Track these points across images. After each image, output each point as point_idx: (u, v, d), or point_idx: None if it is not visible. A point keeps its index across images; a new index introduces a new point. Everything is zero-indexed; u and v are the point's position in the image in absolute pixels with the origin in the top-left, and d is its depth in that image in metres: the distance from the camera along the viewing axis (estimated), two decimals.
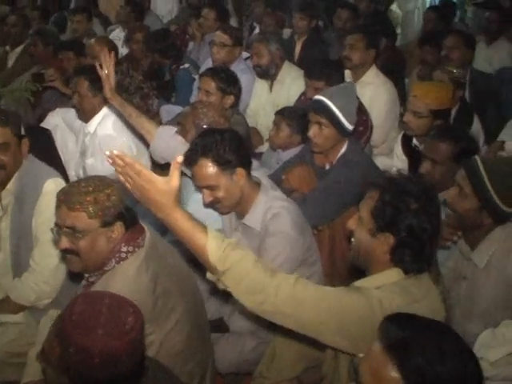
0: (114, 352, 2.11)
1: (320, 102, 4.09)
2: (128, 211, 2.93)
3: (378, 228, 2.66)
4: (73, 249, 2.88)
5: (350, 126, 4.08)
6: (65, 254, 2.98)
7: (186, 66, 6.85)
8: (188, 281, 3.19)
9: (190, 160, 3.41)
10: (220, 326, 3.69)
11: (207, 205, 3.53)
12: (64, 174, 4.23)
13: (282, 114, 4.99)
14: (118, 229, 2.89)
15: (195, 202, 3.98)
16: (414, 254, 2.64)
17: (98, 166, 4.70)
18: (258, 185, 3.54)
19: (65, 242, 2.88)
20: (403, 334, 2.05)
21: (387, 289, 2.61)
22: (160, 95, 5.93)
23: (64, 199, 2.86)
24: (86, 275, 2.99)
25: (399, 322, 2.13)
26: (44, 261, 3.65)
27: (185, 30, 8.71)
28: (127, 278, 2.84)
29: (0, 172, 3.65)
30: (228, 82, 4.88)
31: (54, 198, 3.46)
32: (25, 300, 3.71)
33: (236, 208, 3.56)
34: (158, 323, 2.89)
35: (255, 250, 3.40)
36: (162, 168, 4.28)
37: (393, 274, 2.67)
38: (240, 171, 3.41)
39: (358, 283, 2.72)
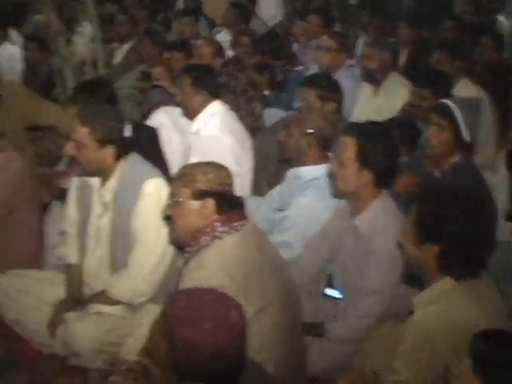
0: (220, 346, 2.20)
1: (445, 105, 4.17)
2: (229, 195, 3.12)
3: (421, 239, 2.74)
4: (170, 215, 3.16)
5: (467, 138, 4.12)
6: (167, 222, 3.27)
7: (300, 68, 6.95)
8: (284, 278, 3.26)
9: None
10: (316, 331, 3.73)
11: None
12: (167, 173, 4.36)
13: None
14: (210, 206, 3.08)
15: (299, 206, 4.05)
16: (462, 260, 2.71)
17: None
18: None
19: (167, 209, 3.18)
20: (491, 350, 2.09)
21: (442, 298, 2.69)
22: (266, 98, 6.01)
23: None
24: (184, 256, 3.16)
25: (488, 338, 2.17)
26: (142, 260, 3.76)
27: (288, 33, 8.81)
28: (221, 253, 3.01)
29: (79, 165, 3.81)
30: (328, 88, 4.95)
31: (154, 198, 3.66)
32: (121, 297, 3.82)
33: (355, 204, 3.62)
34: (247, 297, 2.88)
35: (359, 253, 3.48)
36: None
37: (445, 283, 2.74)
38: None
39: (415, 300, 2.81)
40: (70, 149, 3.76)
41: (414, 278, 2.93)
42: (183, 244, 3.20)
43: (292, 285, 3.35)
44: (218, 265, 2.97)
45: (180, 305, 2.28)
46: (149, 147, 4.58)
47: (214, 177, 3.08)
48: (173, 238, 3.35)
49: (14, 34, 8.65)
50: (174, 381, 2.29)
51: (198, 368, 2.22)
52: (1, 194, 4.23)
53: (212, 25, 9.37)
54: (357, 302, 3.56)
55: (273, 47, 7.14)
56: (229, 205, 3.10)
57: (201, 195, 3.07)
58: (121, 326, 3.79)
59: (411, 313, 2.82)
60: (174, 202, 3.15)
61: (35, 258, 4.50)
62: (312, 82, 5.02)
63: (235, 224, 3.09)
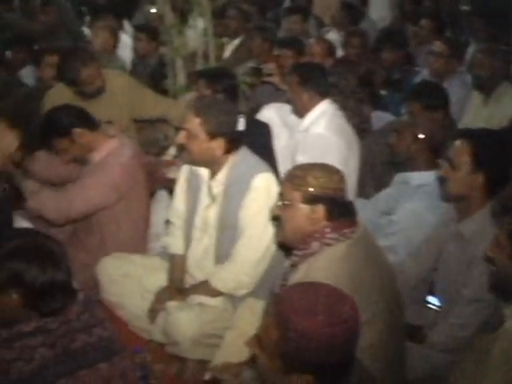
0: (332, 339, 2.21)
1: None
2: (340, 201, 3.07)
3: None
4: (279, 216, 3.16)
5: None
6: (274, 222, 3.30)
7: (417, 69, 6.89)
8: (390, 283, 3.23)
9: None
10: (417, 336, 3.68)
11: None
12: (276, 169, 4.38)
13: None
14: (320, 211, 3.05)
15: (406, 212, 4.00)
16: None
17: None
18: None
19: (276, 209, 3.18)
20: None
21: None
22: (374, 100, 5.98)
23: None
24: (292, 258, 3.14)
25: None
26: (247, 253, 3.80)
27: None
28: (330, 262, 2.97)
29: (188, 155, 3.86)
30: (434, 96, 4.88)
31: (262, 193, 3.67)
32: (223, 287, 3.87)
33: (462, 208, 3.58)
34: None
35: (463, 260, 3.43)
36: None
37: None
38: None
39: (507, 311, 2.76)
40: (181, 137, 3.82)
41: (504, 290, 2.84)
42: (290, 245, 3.18)
43: (398, 293, 3.32)
44: (326, 277, 2.87)
45: (296, 295, 2.31)
46: (260, 142, 4.60)
47: (325, 182, 3.03)
48: (279, 239, 3.33)
49: (126, 24, 8.87)
50: (281, 371, 2.30)
51: (306, 359, 2.23)
52: (113, 179, 4.32)
53: (320, 24, 9.36)
54: (458, 309, 3.50)
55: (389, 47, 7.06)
56: (339, 211, 3.06)
57: (311, 200, 3.04)
58: (221, 319, 3.83)
59: (501, 323, 2.76)
60: (283, 204, 3.12)
61: (140, 244, 4.60)
62: (416, 95, 4.96)
63: (346, 231, 3.06)
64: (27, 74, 7.41)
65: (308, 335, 2.20)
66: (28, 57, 7.64)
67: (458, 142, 3.53)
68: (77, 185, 4.34)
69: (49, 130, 4.35)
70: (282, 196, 3.16)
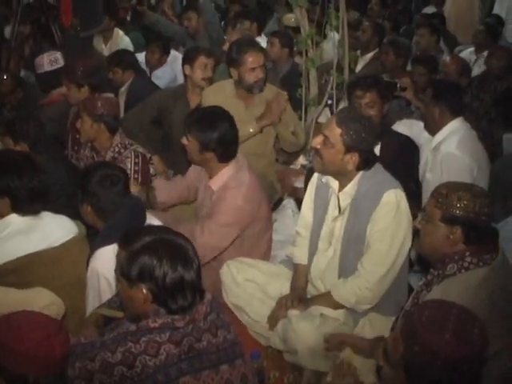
0: (457, 357, 2.21)
1: None
2: (481, 226, 3.00)
3: None
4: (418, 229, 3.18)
5: None
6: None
7: None
8: None
9: None
10: None
11: None
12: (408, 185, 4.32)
13: None
14: (457, 233, 3.01)
15: None
16: None
17: (435, 182, 4.72)
18: None
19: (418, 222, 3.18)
20: None
21: None
22: (507, 122, 5.81)
23: None
24: (427, 277, 3.10)
25: None
26: (372, 268, 3.76)
27: None
28: (466, 288, 2.90)
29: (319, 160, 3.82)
30: None
31: (392, 209, 3.67)
32: (345, 301, 3.84)
33: None
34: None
35: None
36: None
37: None
38: None
39: None
40: (317, 142, 3.78)
41: None
42: (430, 256, 3.15)
43: None
44: (461, 302, 2.81)
45: (427, 311, 2.32)
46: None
47: (468, 205, 2.98)
48: (419, 251, 3.32)
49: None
50: None
51: (428, 374, 2.24)
52: (236, 216, 4.32)
53: (454, 42, 9.22)
54: None
55: None
56: (477, 236, 3.00)
57: (450, 220, 3.00)
58: (341, 331, 3.78)
59: None
60: (424, 219, 3.11)
61: (265, 255, 4.63)
62: None
63: (485, 256, 2.99)
64: (163, 75, 7.60)
65: (434, 351, 2.21)
66: (164, 58, 7.84)
67: None
68: (201, 232, 4.29)
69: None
70: (425, 211, 3.14)
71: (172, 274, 2.65)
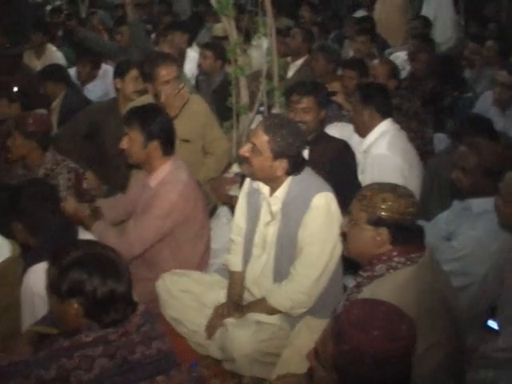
0: (386, 355, 2.24)
1: None
2: (407, 226, 3.03)
3: None
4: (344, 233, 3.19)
5: None
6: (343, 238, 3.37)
7: (470, 95, 6.83)
8: (454, 309, 3.18)
9: None
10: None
11: None
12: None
13: None
14: (384, 235, 3.03)
15: (469, 239, 3.96)
16: None
17: (368, 183, 4.79)
18: None
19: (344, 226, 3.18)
20: None
21: None
22: (437, 122, 5.94)
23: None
24: (357, 279, 3.13)
25: None
26: (305, 272, 3.78)
27: (461, 57, 8.68)
28: (395, 287, 2.94)
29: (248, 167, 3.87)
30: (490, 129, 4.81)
31: (322, 212, 3.71)
32: (281, 306, 3.86)
33: None
34: (419, 333, 2.89)
35: None
36: None
37: None
38: None
39: None
40: (245, 150, 3.82)
41: None
42: (357, 257, 3.19)
43: (460, 318, 3.27)
44: (391, 301, 2.86)
45: (355, 310, 2.35)
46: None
47: (393, 206, 3.00)
48: (346, 255, 3.34)
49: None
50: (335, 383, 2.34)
51: (359, 372, 2.27)
52: (168, 209, 4.34)
53: (384, 45, 9.35)
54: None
55: (445, 72, 7.04)
56: (404, 237, 3.03)
57: (376, 222, 3.02)
58: (278, 337, 3.82)
59: None
60: (350, 222, 3.13)
61: (201, 260, 4.62)
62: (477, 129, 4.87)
63: (413, 255, 3.03)
64: (94, 89, 7.57)
65: (362, 349, 2.24)
66: (95, 72, 7.82)
67: (509, 175, 3.50)
68: (135, 225, 4.39)
69: None
70: (350, 214, 3.15)
71: (103, 288, 2.65)
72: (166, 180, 4.39)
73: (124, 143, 4.39)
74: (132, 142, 4.35)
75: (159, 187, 4.38)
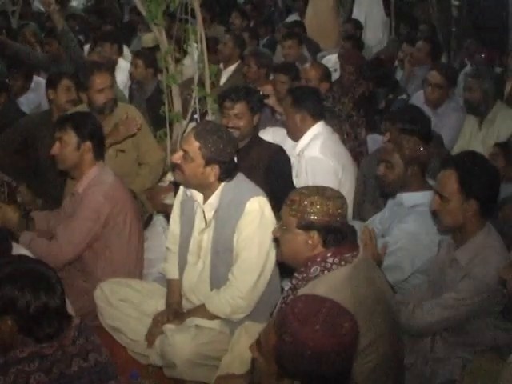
0: (325, 349, 2.29)
1: None
2: (337, 228, 3.06)
3: None
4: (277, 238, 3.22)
5: None
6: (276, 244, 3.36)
7: (404, 96, 6.92)
8: (390, 306, 3.24)
9: None
10: None
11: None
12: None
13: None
14: (315, 238, 3.06)
15: (401, 233, 4.03)
16: None
17: (301, 186, 4.83)
18: None
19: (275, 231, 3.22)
20: None
21: None
22: (370, 123, 6.02)
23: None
24: (293, 282, 3.17)
25: None
26: (243, 277, 3.81)
27: (392, 59, 8.82)
28: (330, 288, 2.96)
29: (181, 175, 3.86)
30: (412, 120, 4.89)
31: (256, 216, 3.72)
32: (220, 312, 3.87)
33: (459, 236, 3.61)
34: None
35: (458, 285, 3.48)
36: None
37: None
38: None
39: None
40: (177, 157, 3.82)
41: None
42: (290, 263, 3.21)
43: (397, 315, 3.33)
44: None
45: (299, 304, 2.40)
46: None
47: (321, 209, 3.03)
48: (280, 260, 3.37)
49: (126, 49, 8.96)
50: (275, 375, 2.39)
51: (299, 365, 2.31)
52: (95, 210, 4.36)
53: (316, 49, 9.43)
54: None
55: (377, 75, 7.14)
56: (335, 239, 3.06)
57: (306, 226, 3.05)
58: (218, 341, 3.84)
59: None
60: (281, 228, 3.16)
61: (134, 270, 4.60)
62: (395, 118, 4.94)
63: (346, 255, 3.07)
64: (27, 102, 7.48)
65: (303, 342, 2.28)
66: (27, 84, 7.71)
67: (443, 173, 3.55)
68: (63, 229, 4.39)
69: None
70: (281, 220, 3.18)
71: (35, 303, 2.64)
72: (92, 183, 4.42)
73: (55, 148, 4.41)
74: (65, 144, 4.38)
75: (85, 191, 4.40)
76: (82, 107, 5.32)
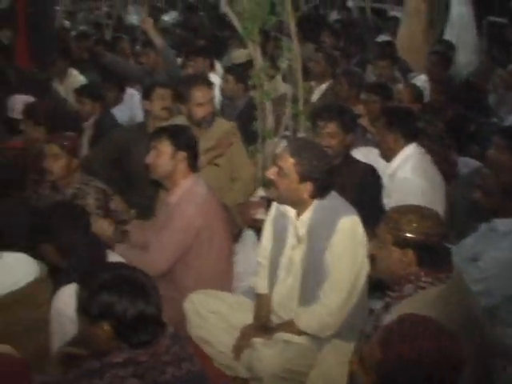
0: (431, 370, 2.29)
1: None
2: (433, 247, 3.07)
3: None
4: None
5: None
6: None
7: (496, 120, 6.83)
8: (480, 329, 3.17)
9: None
10: None
11: None
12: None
13: None
14: (410, 256, 3.09)
15: (495, 260, 3.99)
16: None
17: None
18: None
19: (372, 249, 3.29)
20: None
21: None
22: (461, 147, 5.95)
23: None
24: (386, 300, 3.17)
25: None
26: (332, 294, 3.80)
27: (484, 82, 8.69)
28: (423, 306, 2.93)
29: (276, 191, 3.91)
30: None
31: (348, 235, 3.74)
32: (308, 328, 3.87)
33: None
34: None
35: None
36: None
37: None
38: None
39: None
40: (271, 173, 3.87)
41: None
42: (387, 278, 3.23)
43: (485, 339, 3.27)
44: None
45: (404, 325, 2.40)
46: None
47: (418, 227, 3.06)
48: (376, 275, 3.41)
49: (218, 65, 9.08)
50: None
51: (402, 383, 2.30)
52: (188, 222, 4.41)
53: (407, 69, 9.37)
54: None
55: (468, 97, 7.06)
56: (430, 257, 3.07)
57: (402, 244, 3.08)
58: (305, 356, 3.83)
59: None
60: (378, 244, 3.18)
61: (224, 282, 4.64)
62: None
63: (440, 275, 3.07)
64: (120, 113, 7.62)
65: (409, 360, 2.28)
66: (120, 96, 7.88)
67: None
68: (156, 240, 4.44)
69: None
70: (377, 236, 3.21)
71: (132, 310, 2.70)
72: (185, 195, 4.47)
73: (150, 157, 4.49)
74: (160, 153, 4.45)
75: (179, 202, 4.45)
76: (181, 119, 5.41)
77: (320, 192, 3.83)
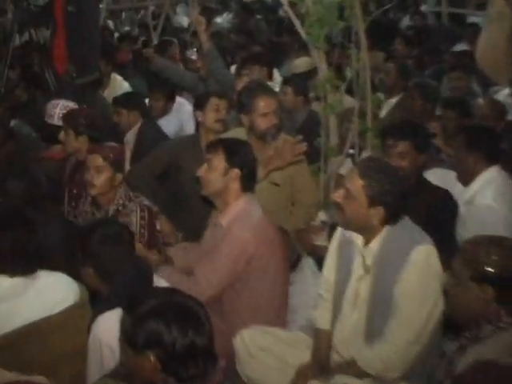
0: None
1: None
2: None
3: None
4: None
5: None
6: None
7: None
8: None
9: None
10: None
11: None
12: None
13: None
14: (489, 292, 3.07)
15: None
16: None
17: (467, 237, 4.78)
18: None
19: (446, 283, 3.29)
20: None
21: None
22: None
23: None
24: (461, 341, 3.17)
25: None
26: (400, 331, 3.78)
27: None
28: (505, 349, 2.94)
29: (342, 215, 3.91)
30: None
31: (421, 267, 3.72)
32: (371, 368, 3.86)
33: None
34: None
35: None
36: None
37: None
38: None
39: None
40: (338, 195, 3.89)
41: None
42: (459, 318, 3.23)
43: None
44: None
45: (478, 374, 2.49)
46: None
47: (498, 261, 3.05)
48: (449, 313, 3.38)
49: (276, 73, 9.11)
50: None
51: None
52: (241, 248, 4.42)
53: (488, 83, 9.32)
54: None
55: None
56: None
57: (480, 278, 3.07)
58: None
59: None
60: (453, 279, 3.17)
61: (278, 315, 4.64)
62: None
63: None
64: (168, 124, 7.68)
65: None
66: (169, 106, 7.95)
67: None
68: (202, 266, 4.47)
69: None
70: (453, 270, 3.19)
71: (182, 340, 2.71)
72: (238, 217, 4.48)
73: (202, 170, 4.53)
74: (212, 167, 4.50)
75: (231, 225, 4.47)
76: (240, 131, 5.46)
77: (391, 218, 3.83)
